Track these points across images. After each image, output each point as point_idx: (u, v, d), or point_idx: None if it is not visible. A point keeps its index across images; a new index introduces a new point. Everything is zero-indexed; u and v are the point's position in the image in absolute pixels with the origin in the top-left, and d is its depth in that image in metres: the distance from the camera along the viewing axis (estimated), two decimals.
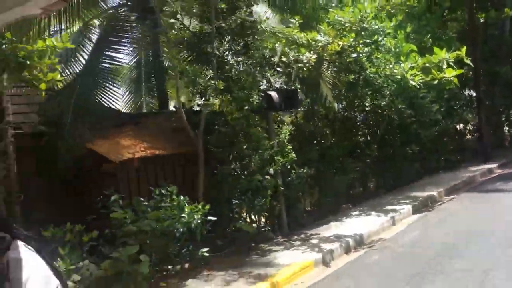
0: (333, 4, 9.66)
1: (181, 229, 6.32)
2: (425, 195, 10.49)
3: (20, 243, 1.37)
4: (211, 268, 6.73)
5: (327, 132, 9.78)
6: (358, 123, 10.94)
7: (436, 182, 12.04)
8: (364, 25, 8.52)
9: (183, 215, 6.36)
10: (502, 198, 9.87)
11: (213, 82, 7.15)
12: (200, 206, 6.54)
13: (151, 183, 7.22)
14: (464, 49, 9.99)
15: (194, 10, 7.78)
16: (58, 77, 5.68)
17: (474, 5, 15.31)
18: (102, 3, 9.85)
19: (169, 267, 6.61)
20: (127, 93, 11.66)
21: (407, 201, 10.03)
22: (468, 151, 15.59)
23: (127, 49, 10.09)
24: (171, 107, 11.34)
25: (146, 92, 11.43)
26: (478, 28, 15.51)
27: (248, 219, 7.96)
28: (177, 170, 7.93)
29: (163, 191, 6.59)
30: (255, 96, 7.32)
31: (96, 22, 10.08)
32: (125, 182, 7.37)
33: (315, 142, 9.44)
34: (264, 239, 7.96)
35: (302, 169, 8.53)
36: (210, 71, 7.55)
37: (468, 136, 17.05)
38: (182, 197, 6.60)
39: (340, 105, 10.12)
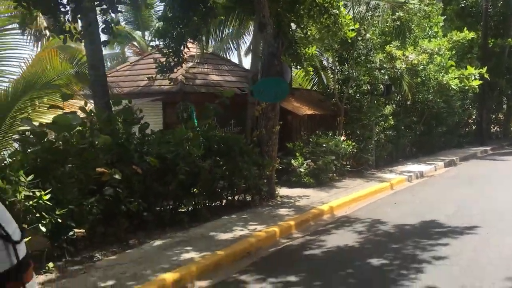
0: (422, 37, 15.42)
1: (342, 152, 12.14)
2: (449, 159, 16.55)
3: None
4: (350, 176, 12.60)
5: (397, 111, 15.70)
6: (414, 108, 16.88)
7: (452, 153, 18.16)
8: (440, 52, 14.42)
9: (343, 145, 12.16)
10: (496, 162, 16.29)
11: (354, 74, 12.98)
12: (350, 142, 12.35)
13: (312, 129, 13.04)
14: (485, 68, 16.08)
15: None
16: None
17: (487, 32, 21.40)
18: None
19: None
20: None
21: (439, 160, 16.06)
22: (469, 136, 21.89)
23: None
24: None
25: None
26: (487, 50, 21.60)
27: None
28: (324, 122, 13.68)
29: (327, 132, 12.39)
30: (379, 86, 13.17)
31: None
32: (301, 126, 13.07)
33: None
34: (364, 169, 13.86)
35: (386, 132, 14.46)
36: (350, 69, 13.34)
37: (469, 127, 23.34)
38: (338, 137, 12.43)
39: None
